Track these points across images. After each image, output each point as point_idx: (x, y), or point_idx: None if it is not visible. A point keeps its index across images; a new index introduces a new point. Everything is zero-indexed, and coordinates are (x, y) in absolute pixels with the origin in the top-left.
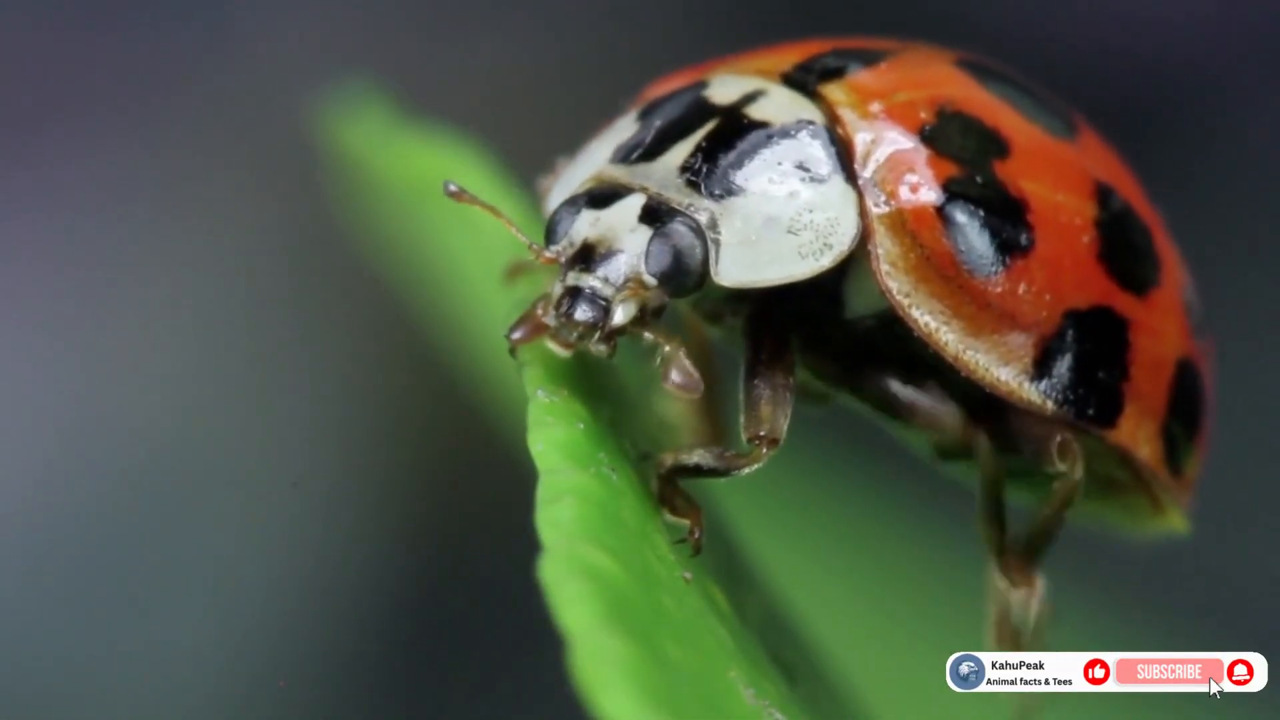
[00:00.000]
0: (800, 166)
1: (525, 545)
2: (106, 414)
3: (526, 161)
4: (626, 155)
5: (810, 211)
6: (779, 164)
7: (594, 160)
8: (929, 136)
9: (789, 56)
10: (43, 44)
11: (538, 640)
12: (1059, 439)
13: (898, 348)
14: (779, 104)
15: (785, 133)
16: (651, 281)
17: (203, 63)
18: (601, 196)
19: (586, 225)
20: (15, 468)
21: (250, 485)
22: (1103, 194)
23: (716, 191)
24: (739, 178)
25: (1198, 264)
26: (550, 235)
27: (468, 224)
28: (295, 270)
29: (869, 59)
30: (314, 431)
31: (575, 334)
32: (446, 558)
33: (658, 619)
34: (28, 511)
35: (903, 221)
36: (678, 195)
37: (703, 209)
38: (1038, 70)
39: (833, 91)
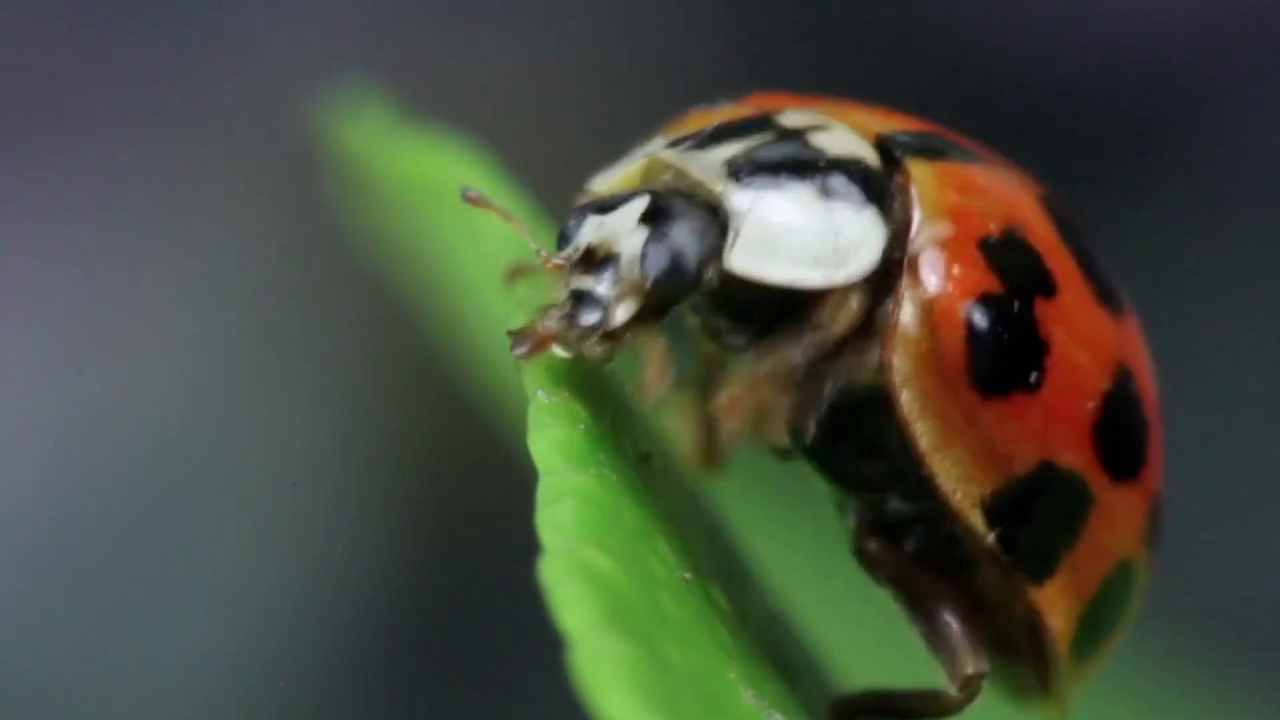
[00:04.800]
0: (840, 192)
1: (525, 546)
2: (106, 414)
3: (526, 162)
4: (679, 143)
5: (837, 234)
6: (822, 182)
7: (650, 147)
8: (987, 247)
9: (893, 121)
10: (43, 44)
11: (537, 641)
12: (970, 671)
13: (874, 427)
14: (840, 139)
15: (837, 162)
16: (647, 283)
17: (203, 62)
18: (608, 203)
19: (591, 230)
20: (15, 467)
21: (250, 485)
22: (1122, 375)
23: (752, 186)
24: (778, 180)
25: (1196, 263)
26: (560, 242)
27: (468, 225)
28: (295, 270)
29: (966, 156)
30: (314, 432)
31: (574, 336)
32: (446, 558)
33: (657, 620)
34: (27, 511)
35: (930, 309)
36: (713, 181)
37: (733, 197)
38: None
39: (918, 167)
